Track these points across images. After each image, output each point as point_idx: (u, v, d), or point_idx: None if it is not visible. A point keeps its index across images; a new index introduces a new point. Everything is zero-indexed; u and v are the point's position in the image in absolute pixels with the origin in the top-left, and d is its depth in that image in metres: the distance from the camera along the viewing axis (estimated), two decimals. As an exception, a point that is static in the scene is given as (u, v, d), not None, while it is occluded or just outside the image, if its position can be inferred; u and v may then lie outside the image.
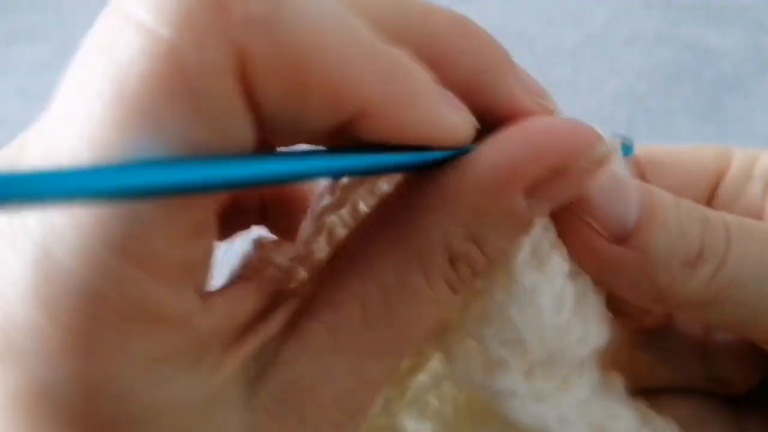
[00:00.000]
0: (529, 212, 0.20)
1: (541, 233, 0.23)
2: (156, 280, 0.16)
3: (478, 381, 0.24)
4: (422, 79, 0.19)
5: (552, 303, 0.23)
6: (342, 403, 0.20)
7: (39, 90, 0.85)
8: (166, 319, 0.17)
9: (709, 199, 0.29)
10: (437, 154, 0.20)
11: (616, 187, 0.22)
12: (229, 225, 0.26)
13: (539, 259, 0.23)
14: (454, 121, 0.20)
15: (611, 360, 0.26)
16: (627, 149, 0.26)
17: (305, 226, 0.24)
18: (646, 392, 0.28)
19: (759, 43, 0.79)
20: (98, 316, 0.16)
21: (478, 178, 0.20)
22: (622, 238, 0.22)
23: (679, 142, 0.64)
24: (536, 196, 0.20)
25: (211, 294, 0.19)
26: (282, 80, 0.16)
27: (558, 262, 0.23)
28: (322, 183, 0.25)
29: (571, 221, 0.22)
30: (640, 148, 0.30)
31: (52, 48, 0.77)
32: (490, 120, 0.21)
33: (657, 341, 0.29)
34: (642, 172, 0.30)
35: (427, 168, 0.21)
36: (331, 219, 0.23)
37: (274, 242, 0.24)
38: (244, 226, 0.27)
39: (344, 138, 0.18)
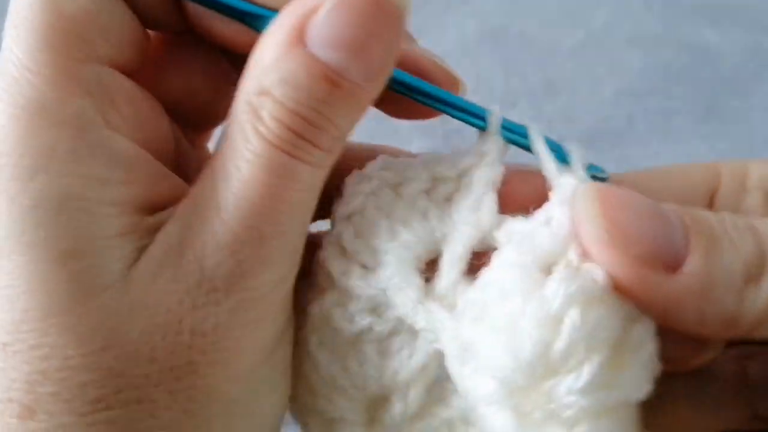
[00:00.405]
0: (313, 59, 0.21)
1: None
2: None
3: None
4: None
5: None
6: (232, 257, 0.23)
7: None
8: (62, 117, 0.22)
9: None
10: None
11: (652, 212, 0.21)
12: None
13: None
14: None
15: (654, 414, 0.24)
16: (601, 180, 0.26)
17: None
18: None
19: (759, 43, 0.78)
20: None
21: (261, 40, 0.22)
22: (675, 265, 0.20)
23: (678, 142, 0.64)
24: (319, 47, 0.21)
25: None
26: None
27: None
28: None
29: (616, 261, 0.21)
30: (623, 177, 0.29)
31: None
32: None
33: (697, 387, 0.27)
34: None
35: None
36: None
37: None
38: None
39: None
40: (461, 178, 0.26)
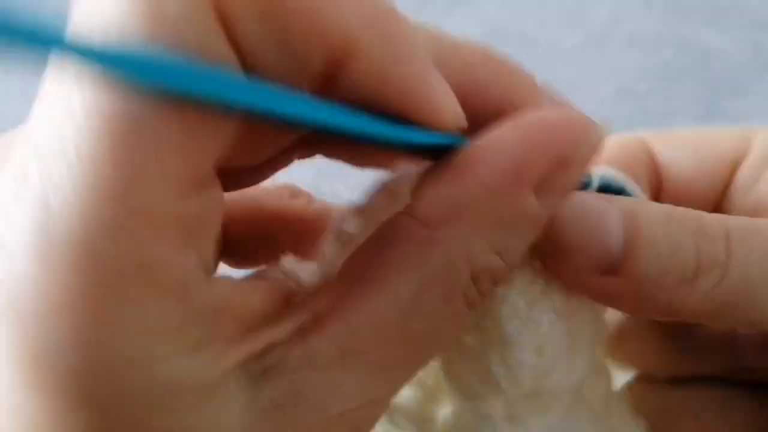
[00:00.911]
0: (540, 210, 0.19)
1: (529, 279, 0.22)
2: (154, 235, 0.15)
3: (457, 401, 0.24)
4: (418, 40, 0.19)
5: (533, 354, 0.22)
6: (348, 418, 0.19)
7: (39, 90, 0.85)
8: (164, 282, 0.16)
9: (727, 186, 0.28)
10: (429, 137, 0.19)
11: (589, 215, 0.21)
12: (242, 255, 0.25)
13: (527, 305, 0.22)
14: (443, 99, 0.19)
15: (637, 349, 0.26)
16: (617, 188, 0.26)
17: (327, 247, 0.23)
18: (671, 381, 0.28)
19: (759, 43, 0.79)
20: (94, 271, 0.15)
21: (488, 182, 0.19)
22: (611, 268, 0.21)
23: (678, 142, 0.63)
24: (544, 192, 0.19)
25: (218, 277, 0.18)
26: (259, 13, 0.16)
27: (544, 310, 0.22)
28: (343, 206, 0.24)
29: (554, 261, 0.22)
30: (659, 135, 0.29)
31: (53, 48, 0.77)
32: None
33: (684, 331, 0.28)
34: (654, 160, 0.29)
35: (417, 153, 0.20)
36: (355, 242, 0.22)
37: (295, 260, 0.23)
38: (256, 257, 0.26)
39: (336, 92, 0.18)
40: None
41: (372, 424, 0.20)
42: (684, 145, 0.28)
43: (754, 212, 0.27)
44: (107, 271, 0.15)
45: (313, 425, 0.18)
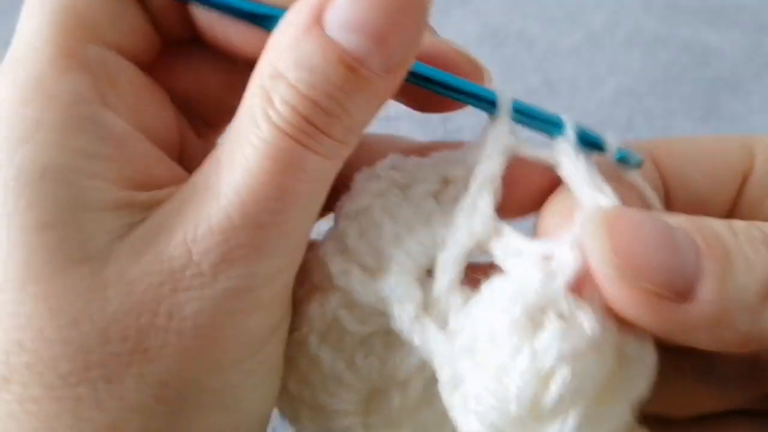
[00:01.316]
0: (330, 43, 0.21)
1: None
2: None
3: None
4: None
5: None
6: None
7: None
8: None
9: (736, 200, 0.27)
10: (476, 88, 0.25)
11: (662, 240, 0.20)
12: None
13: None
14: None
15: (658, 391, 0.23)
16: (635, 161, 0.25)
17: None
18: (699, 419, 0.26)
19: (758, 43, 0.79)
20: None
21: (280, 23, 0.21)
22: (687, 293, 0.19)
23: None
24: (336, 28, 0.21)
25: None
26: None
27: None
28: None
29: (626, 296, 0.20)
30: (659, 144, 0.28)
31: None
32: None
33: (707, 366, 0.26)
34: (662, 171, 0.27)
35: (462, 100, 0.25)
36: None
37: None
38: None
39: None
40: (469, 176, 0.25)
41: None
42: (690, 156, 0.27)
43: None
44: None
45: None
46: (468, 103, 0.25)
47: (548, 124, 0.25)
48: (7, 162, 0.21)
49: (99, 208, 0.22)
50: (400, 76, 0.22)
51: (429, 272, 0.25)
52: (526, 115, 0.25)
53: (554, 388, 0.20)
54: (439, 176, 0.25)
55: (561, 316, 0.21)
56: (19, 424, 0.21)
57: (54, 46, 0.22)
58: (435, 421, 0.26)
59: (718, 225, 0.21)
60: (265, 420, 0.25)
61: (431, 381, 0.25)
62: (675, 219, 0.21)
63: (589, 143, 0.25)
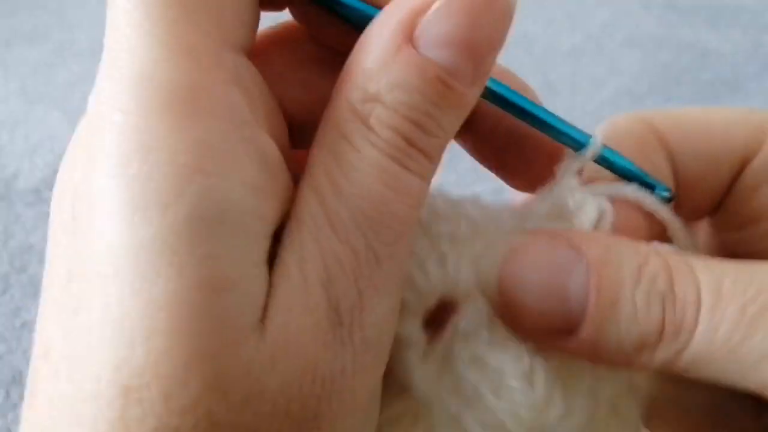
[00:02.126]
0: (425, 61, 0.19)
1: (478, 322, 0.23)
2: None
3: None
4: None
5: (521, 382, 0.22)
6: None
7: (39, 90, 0.85)
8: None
9: (735, 178, 0.26)
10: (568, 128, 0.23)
11: (550, 290, 0.21)
12: None
13: (500, 335, 0.23)
14: None
15: (677, 422, 0.24)
16: (665, 194, 0.25)
17: None
18: None
19: (757, 43, 0.79)
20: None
21: (362, 42, 0.20)
22: (570, 331, 0.21)
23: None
24: (431, 45, 0.19)
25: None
26: None
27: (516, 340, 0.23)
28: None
29: (508, 317, 0.22)
30: (667, 115, 0.28)
31: (53, 48, 0.77)
32: None
33: (709, 397, 0.26)
34: (666, 142, 0.27)
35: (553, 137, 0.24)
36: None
37: None
38: None
39: None
40: (491, 234, 0.24)
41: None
42: (695, 132, 0.26)
43: (751, 219, 0.25)
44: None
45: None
46: (557, 140, 0.24)
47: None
48: (177, 197, 0.17)
49: (260, 261, 0.18)
50: (483, 86, 0.21)
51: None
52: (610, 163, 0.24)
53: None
54: (461, 216, 0.24)
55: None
56: None
57: (192, 46, 0.18)
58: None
59: (627, 267, 0.21)
60: None
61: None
62: (590, 250, 0.21)
63: (641, 181, 0.25)
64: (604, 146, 0.24)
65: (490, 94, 0.23)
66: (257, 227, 0.18)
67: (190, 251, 0.16)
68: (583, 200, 0.24)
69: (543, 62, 0.75)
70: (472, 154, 0.25)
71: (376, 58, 0.19)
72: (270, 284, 0.18)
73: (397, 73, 0.19)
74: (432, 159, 0.20)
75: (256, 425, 0.17)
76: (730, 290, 0.21)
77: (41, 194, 0.63)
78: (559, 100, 0.72)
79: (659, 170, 0.25)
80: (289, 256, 0.18)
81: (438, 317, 0.23)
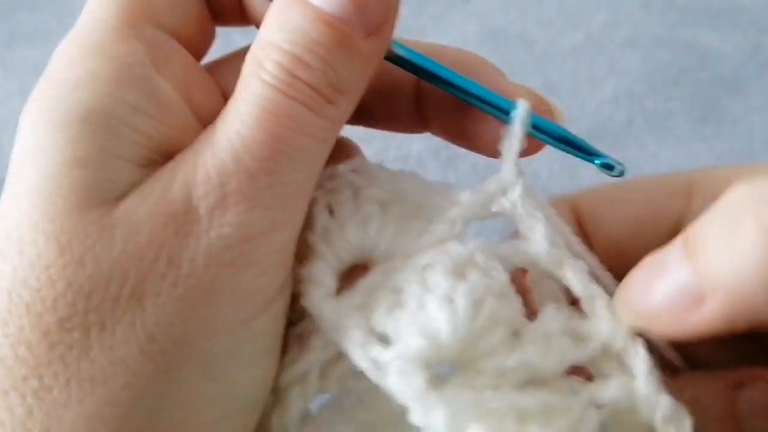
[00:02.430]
0: (308, 6, 0.23)
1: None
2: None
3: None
4: None
5: (440, 302, 0.24)
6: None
7: (39, 91, 0.84)
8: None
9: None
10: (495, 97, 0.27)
11: (658, 273, 0.23)
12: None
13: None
14: None
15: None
16: (618, 170, 0.26)
17: None
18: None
19: (758, 44, 0.79)
20: None
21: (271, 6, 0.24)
22: (699, 301, 0.22)
23: (677, 144, 0.64)
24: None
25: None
26: None
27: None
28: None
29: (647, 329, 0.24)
30: (581, 194, 0.29)
31: (53, 49, 0.77)
32: None
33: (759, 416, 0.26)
34: (582, 221, 0.29)
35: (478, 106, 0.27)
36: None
37: None
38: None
39: None
40: (422, 210, 0.26)
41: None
42: (612, 202, 0.28)
43: None
44: None
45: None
46: (486, 112, 0.26)
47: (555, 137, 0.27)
48: (56, 103, 0.22)
49: (130, 159, 0.23)
50: (383, 42, 0.24)
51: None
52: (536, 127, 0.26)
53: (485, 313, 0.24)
54: (394, 188, 0.26)
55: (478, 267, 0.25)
56: (7, 371, 0.21)
57: (116, 19, 0.24)
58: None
59: (712, 222, 0.22)
60: (257, 408, 0.24)
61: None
62: (672, 246, 0.23)
63: (568, 143, 0.27)
64: (535, 115, 0.26)
65: (419, 71, 0.26)
66: (127, 132, 0.22)
67: (55, 137, 0.21)
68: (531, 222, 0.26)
69: (543, 62, 0.75)
70: (438, 135, 0.28)
71: (274, 11, 0.23)
72: (144, 181, 0.22)
73: (286, 18, 0.23)
74: (324, 95, 0.23)
75: (90, 287, 0.20)
76: None
77: (41, 194, 0.63)
78: (559, 100, 0.72)
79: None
80: (169, 164, 0.23)
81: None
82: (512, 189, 0.26)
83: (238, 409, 0.23)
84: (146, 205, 0.22)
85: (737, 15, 0.82)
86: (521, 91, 0.27)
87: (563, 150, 0.26)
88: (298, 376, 0.25)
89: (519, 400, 0.23)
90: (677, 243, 0.23)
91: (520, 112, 0.26)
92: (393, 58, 0.26)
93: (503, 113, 0.26)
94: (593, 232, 0.28)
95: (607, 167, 0.26)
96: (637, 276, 0.24)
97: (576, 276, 0.25)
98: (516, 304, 0.25)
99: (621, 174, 0.26)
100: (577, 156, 0.27)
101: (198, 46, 0.27)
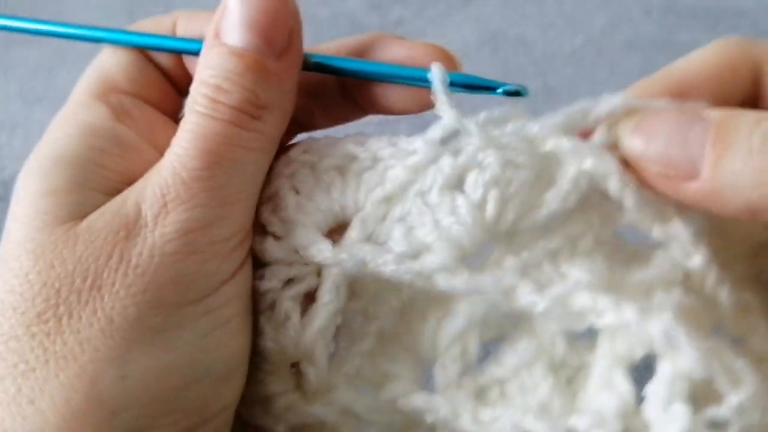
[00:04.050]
0: (220, 44, 0.28)
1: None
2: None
3: None
4: None
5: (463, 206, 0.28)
6: None
7: (39, 91, 0.85)
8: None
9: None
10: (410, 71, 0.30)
11: (677, 130, 0.25)
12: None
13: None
14: None
15: None
16: (521, 92, 0.31)
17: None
18: None
19: (757, 48, 0.79)
20: None
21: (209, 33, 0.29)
22: (693, 174, 0.25)
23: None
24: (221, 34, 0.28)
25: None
26: None
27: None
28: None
29: (644, 178, 0.26)
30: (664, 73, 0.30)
31: (53, 50, 0.77)
32: None
33: None
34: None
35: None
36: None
37: None
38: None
39: None
40: (376, 161, 0.30)
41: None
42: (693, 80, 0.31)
43: None
44: None
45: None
46: (410, 85, 0.30)
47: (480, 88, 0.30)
48: (38, 155, 0.29)
49: (98, 189, 0.28)
50: (292, 59, 0.29)
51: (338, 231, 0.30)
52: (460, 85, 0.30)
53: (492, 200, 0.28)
54: (344, 153, 0.30)
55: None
56: (3, 362, 0.26)
57: (85, 95, 0.31)
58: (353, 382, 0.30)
59: (746, 118, 0.24)
60: (230, 376, 0.29)
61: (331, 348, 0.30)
62: (711, 113, 0.25)
63: (475, 87, 0.30)
64: (455, 74, 0.29)
65: (338, 71, 0.30)
66: (92, 168, 0.28)
67: (34, 177, 0.28)
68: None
69: (543, 66, 0.76)
70: (373, 113, 0.32)
71: (201, 57, 0.29)
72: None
73: (207, 59, 0.28)
74: (246, 112, 0.27)
75: (59, 284, 0.26)
76: None
77: (40, 196, 0.63)
78: (559, 104, 0.72)
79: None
80: (127, 189, 0.28)
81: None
82: (466, 130, 0.29)
83: (201, 377, 0.28)
84: (104, 218, 0.27)
85: (737, 19, 0.82)
86: (422, 49, 0.30)
87: (469, 92, 0.30)
88: (320, 330, 0.29)
89: (547, 244, 0.28)
90: (712, 120, 0.25)
91: (438, 75, 0.29)
92: (311, 66, 0.30)
93: (421, 81, 0.29)
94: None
95: (512, 93, 0.31)
96: (664, 120, 0.26)
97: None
98: (524, 172, 0.28)
99: (524, 93, 0.31)
100: (483, 93, 0.30)
101: (163, 106, 0.33)
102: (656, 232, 0.27)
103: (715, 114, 0.25)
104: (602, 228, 0.29)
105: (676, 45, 0.79)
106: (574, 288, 0.26)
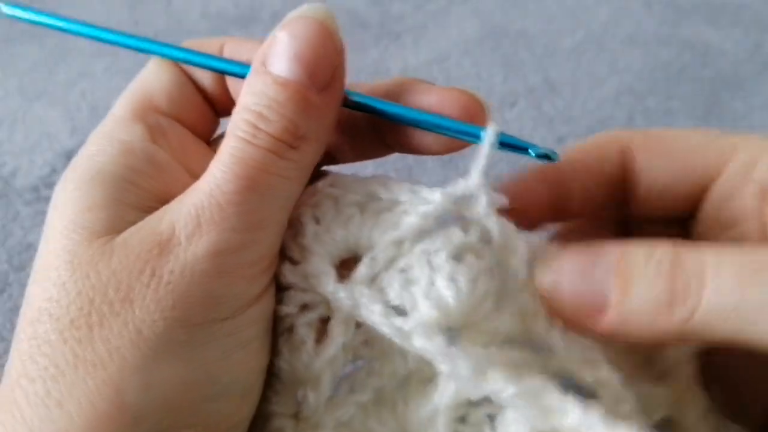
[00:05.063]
0: (266, 72, 0.29)
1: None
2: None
3: None
4: None
5: (446, 281, 0.29)
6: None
7: (39, 89, 0.85)
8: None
9: (701, 194, 0.32)
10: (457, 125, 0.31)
11: (581, 269, 0.28)
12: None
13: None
14: None
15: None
16: (551, 156, 0.30)
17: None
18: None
19: (759, 42, 0.79)
20: None
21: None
22: (602, 309, 0.27)
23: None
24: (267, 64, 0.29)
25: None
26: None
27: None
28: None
29: (562, 319, 0.29)
30: (637, 134, 0.32)
31: (52, 48, 0.77)
32: None
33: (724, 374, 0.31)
34: (632, 163, 0.33)
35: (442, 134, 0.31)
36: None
37: None
38: None
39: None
40: (395, 205, 0.31)
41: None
42: (665, 152, 0.33)
43: (725, 226, 0.31)
44: None
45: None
46: (453, 137, 0.31)
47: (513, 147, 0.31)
48: (76, 171, 0.31)
49: (131, 205, 0.29)
50: (334, 95, 0.30)
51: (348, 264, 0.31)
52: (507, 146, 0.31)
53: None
54: (367, 191, 0.32)
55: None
56: (35, 364, 0.27)
57: (124, 111, 0.33)
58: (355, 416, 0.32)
59: (641, 249, 0.27)
60: (246, 394, 0.30)
61: (339, 377, 0.31)
62: (611, 249, 0.28)
63: (511, 146, 0.31)
64: (502, 134, 0.30)
65: (375, 112, 0.31)
66: (127, 186, 0.30)
67: (73, 194, 0.29)
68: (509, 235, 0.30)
69: (543, 60, 0.75)
70: (399, 152, 0.34)
71: (245, 84, 0.30)
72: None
73: (252, 86, 0.29)
74: (285, 141, 0.28)
75: (93, 294, 0.27)
76: (729, 254, 0.26)
77: (40, 192, 0.62)
78: (560, 98, 0.72)
79: (606, 175, 0.33)
80: (162, 207, 0.29)
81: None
82: (478, 198, 0.30)
83: (220, 393, 0.29)
84: (139, 234, 0.28)
85: (738, 13, 0.82)
86: (454, 96, 0.31)
87: (502, 150, 0.31)
88: (329, 360, 0.30)
89: (508, 353, 0.29)
90: (612, 255, 0.28)
91: (490, 138, 0.30)
92: (350, 104, 0.32)
93: (467, 135, 0.31)
94: (641, 175, 0.33)
95: (542, 156, 0.31)
96: (570, 259, 0.29)
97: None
98: (497, 280, 0.30)
99: (555, 158, 0.31)
100: (516, 152, 0.31)
101: (198, 127, 0.35)
102: (588, 377, 0.29)
103: (612, 248, 0.28)
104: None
105: (678, 40, 0.79)
106: (543, 387, 0.28)
